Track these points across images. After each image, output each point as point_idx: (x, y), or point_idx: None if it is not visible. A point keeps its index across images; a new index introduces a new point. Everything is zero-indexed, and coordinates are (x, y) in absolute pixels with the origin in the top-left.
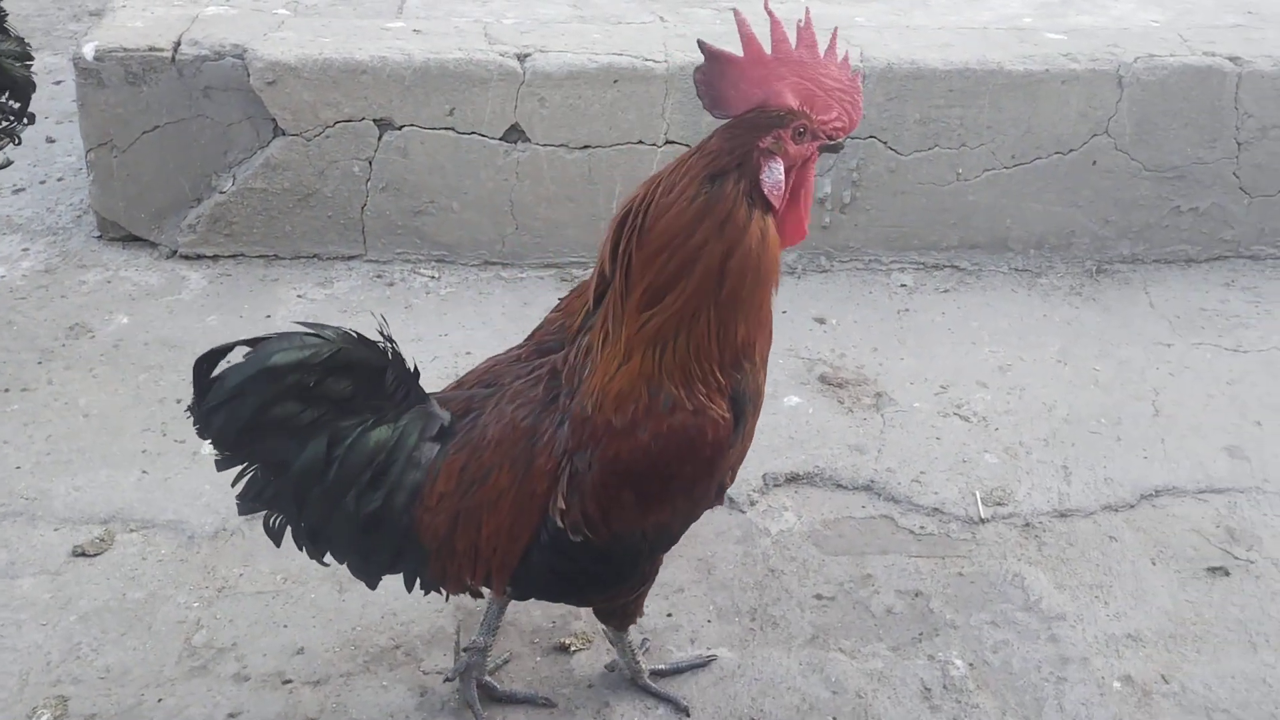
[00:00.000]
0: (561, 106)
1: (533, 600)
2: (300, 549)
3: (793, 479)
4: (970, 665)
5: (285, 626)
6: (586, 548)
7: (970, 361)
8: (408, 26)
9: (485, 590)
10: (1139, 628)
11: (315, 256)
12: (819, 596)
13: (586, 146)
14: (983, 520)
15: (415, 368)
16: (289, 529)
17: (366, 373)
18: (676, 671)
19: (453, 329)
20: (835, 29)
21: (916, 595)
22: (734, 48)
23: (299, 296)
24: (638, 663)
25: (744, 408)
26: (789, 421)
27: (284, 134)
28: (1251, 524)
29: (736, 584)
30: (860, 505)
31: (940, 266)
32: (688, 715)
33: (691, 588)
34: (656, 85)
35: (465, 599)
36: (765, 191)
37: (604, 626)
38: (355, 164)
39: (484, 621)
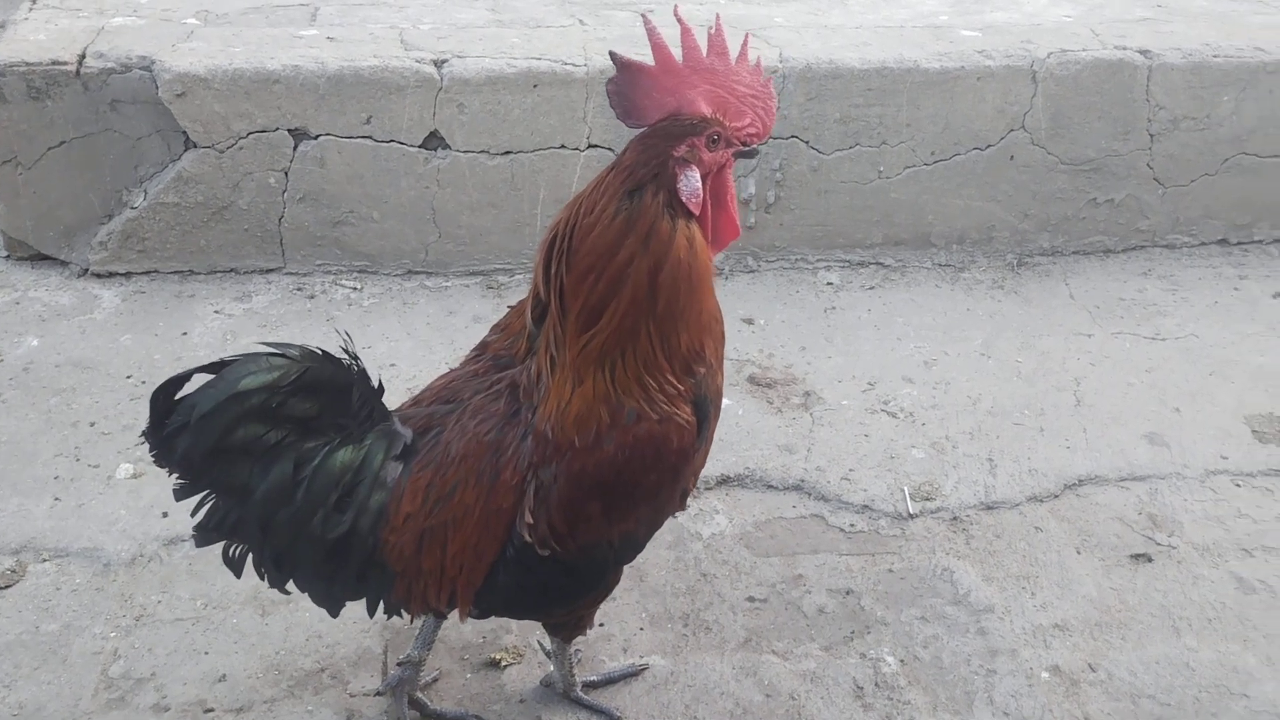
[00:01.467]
0: (481, 112)
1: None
2: (261, 578)
3: (724, 481)
4: (901, 661)
5: (206, 653)
6: (554, 561)
7: (896, 357)
8: (321, 34)
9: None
10: (1066, 617)
11: (232, 271)
12: (751, 599)
13: (508, 152)
14: (911, 516)
15: (380, 384)
16: (250, 558)
17: (332, 392)
18: (609, 682)
19: (376, 341)
20: (747, 34)
21: (848, 593)
22: (648, 55)
23: (216, 312)
24: (573, 675)
25: (706, 412)
26: (719, 424)
27: (195, 147)
28: (1172, 510)
29: (669, 590)
30: (791, 505)
31: (865, 264)
32: None
33: (623, 595)
34: (577, 89)
35: (392, 619)
36: (683, 200)
37: (548, 639)
38: (271, 175)
39: (419, 635)
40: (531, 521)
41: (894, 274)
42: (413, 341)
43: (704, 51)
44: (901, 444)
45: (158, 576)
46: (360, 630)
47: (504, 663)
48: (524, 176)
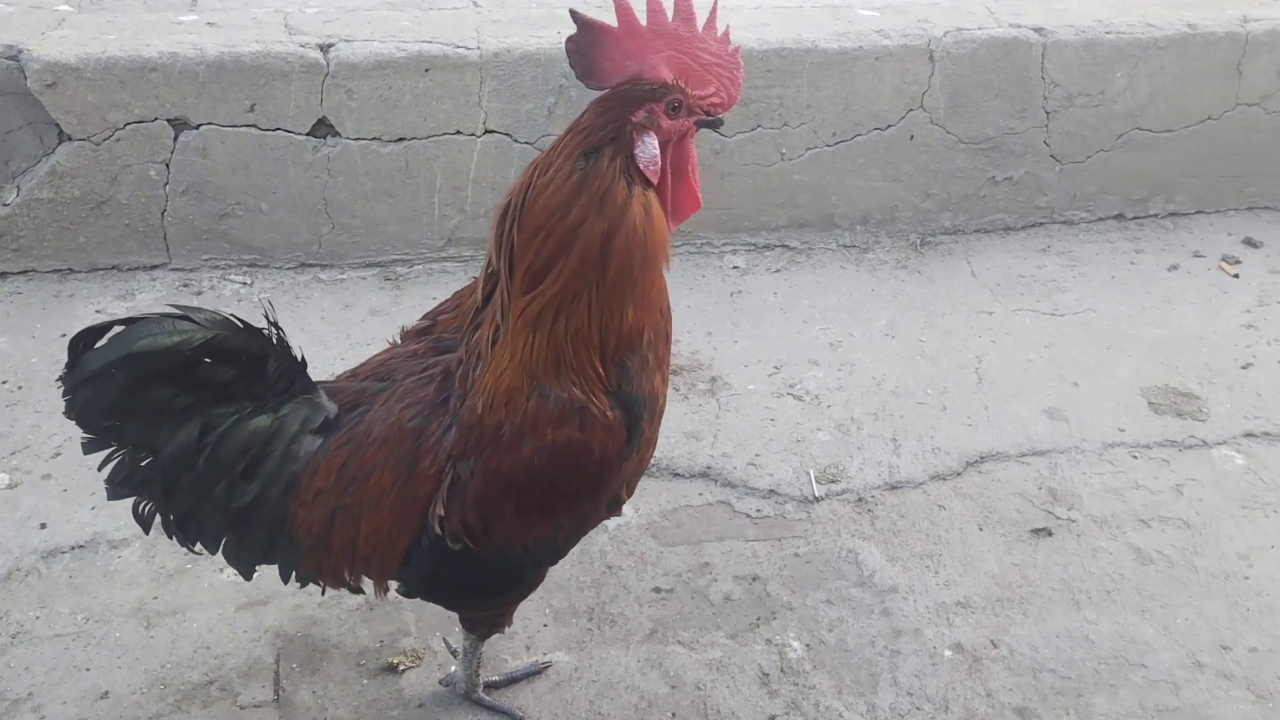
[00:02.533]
0: (371, 98)
1: (359, 620)
2: (169, 537)
3: None
4: (807, 646)
5: (87, 670)
6: (466, 556)
7: (802, 340)
8: (201, 19)
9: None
10: (968, 594)
11: (114, 268)
12: (657, 589)
13: (401, 139)
14: (817, 499)
15: (301, 357)
16: (158, 517)
17: (246, 361)
18: (511, 681)
19: None
20: (715, 2)
21: (754, 580)
22: (606, 18)
23: (97, 311)
24: (477, 675)
25: (638, 416)
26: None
27: (70, 139)
28: (1072, 483)
29: (573, 584)
30: (698, 493)
31: (771, 247)
32: None
33: None
34: (471, 73)
35: (284, 626)
36: (641, 167)
37: (456, 638)
38: (151, 167)
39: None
40: (444, 514)
41: (800, 256)
42: (307, 336)
43: (669, 16)
44: (807, 427)
45: (35, 591)
46: (251, 640)
47: (401, 667)
48: (419, 164)
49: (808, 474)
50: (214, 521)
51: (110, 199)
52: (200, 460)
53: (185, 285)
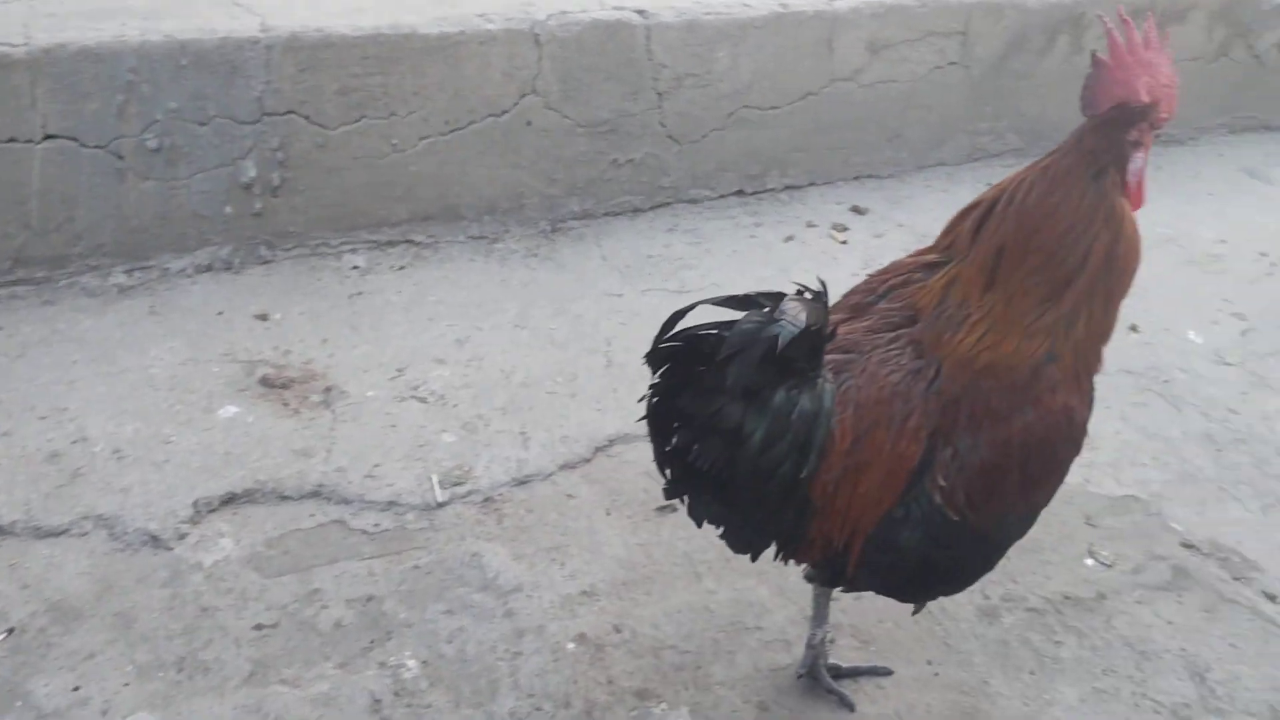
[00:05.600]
0: None
1: None
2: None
3: (229, 500)
4: (424, 663)
5: None
6: (961, 530)
7: (428, 339)
8: None
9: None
10: (594, 582)
11: None
12: (259, 626)
13: None
14: (440, 504)
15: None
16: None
17: (822, 340)
18: (856, 673)
19: None
20: (1159, 27)
21: (369, 600)
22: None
23: None
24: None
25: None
26: (225, 436)
27: None
28: None
29: (161, 633)
30: (308, 514)
31: (394, 243)
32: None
33: (105, 650)
34: (19, 72)
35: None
36: (1129, 180)
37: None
38: None
39: (814, 617)
40: (945, 485)
41: (426, 251)
42: None
43: (1144, 46)
44: (431, 429)
45: None
46: None
47: None
48: None
49: (430, 479)
50: (752, 499)
51: None
52: (785, 431)
53: None
